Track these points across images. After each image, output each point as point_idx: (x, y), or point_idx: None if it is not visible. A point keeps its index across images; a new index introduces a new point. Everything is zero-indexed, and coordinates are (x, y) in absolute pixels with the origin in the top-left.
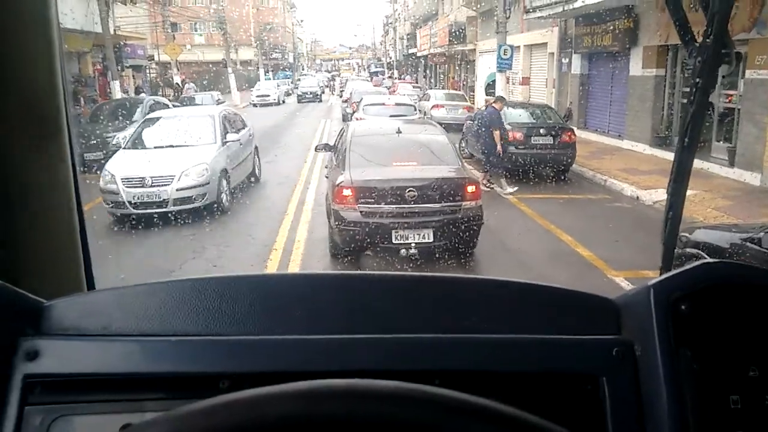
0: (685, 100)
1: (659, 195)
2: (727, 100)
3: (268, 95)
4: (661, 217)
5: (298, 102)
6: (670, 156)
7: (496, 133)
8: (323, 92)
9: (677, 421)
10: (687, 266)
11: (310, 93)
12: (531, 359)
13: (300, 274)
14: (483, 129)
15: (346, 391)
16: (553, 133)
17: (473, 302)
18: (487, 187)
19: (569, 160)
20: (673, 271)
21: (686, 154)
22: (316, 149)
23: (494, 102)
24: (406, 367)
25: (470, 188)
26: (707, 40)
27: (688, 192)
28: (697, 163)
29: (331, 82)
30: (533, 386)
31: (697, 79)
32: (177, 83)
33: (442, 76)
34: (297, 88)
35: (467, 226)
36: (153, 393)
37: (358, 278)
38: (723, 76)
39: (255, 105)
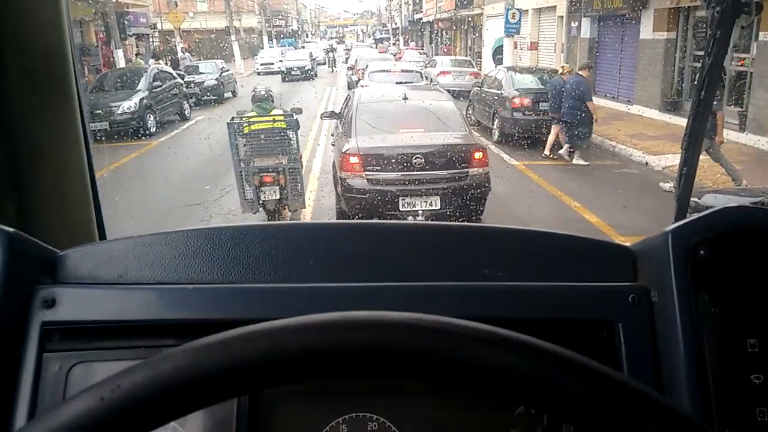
0: (696, 65)
1: (668, 160)
2: (739, 64)
3: (272, 63)
4: (668, 180)
5: (283, 81)
6: (679, 121)
7: (591, 104)
8: (316, 67)
9: (693, 365)
10: (706, 211)
11: (298, 69)
12: (546, 306)
13: (316, 223)
14: (568, 98)
15: (369, 322)
16: None
17: (489, 250)
18: (568, 155)
19: None
20: (692, 217)
21: (702, 108)
22: (321, 117)
23: (580, 69)
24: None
25: (477, 154)
26: None
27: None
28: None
29: (329, 54)
30: (548, 333)
31: (716, 31)
32: (175, 51)
33: (448, 41)
34: (281, 62)
35: (474, 193)
36: (169, 339)
37: (371, 227)
38: (743, 27)
39: (259, 73)
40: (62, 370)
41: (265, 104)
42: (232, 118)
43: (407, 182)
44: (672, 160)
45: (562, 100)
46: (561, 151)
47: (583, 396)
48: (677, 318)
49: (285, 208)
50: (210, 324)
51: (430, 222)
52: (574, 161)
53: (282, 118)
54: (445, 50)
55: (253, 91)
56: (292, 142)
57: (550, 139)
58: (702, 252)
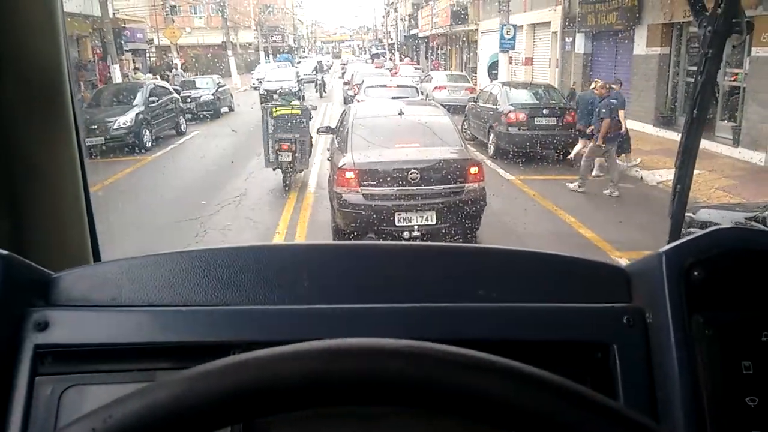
0: (690, 79)
1: (663, 175)
2: (732, 79)
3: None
4: (665, 197)
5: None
6: (673, 136)
7: (621, 112)
8: (303, 89)
9: (688, 387)
10: (700, 232)
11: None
12: (540, 328)
13: (309, 244)
14: (602, 111)
15: (362, 349)
16: (557, 113)
17: (484, 271)
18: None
19: (573, 141)
20: (686, 238)
21: (695, 126)
22: (318, 132)
23: (614, 84)
24: (414, 335)
25: (473, 169)
26: (718, 10)
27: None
28: (701, 143)
29: (317, 75)
30: (543, 354)
31: (708, 50)
32: (171, 67)
33: (443, 57)
34: (260, 84)
35: (470, 208)
36: (163, 362)
37: (366, 248)
38: (734, 46)
39: (255, 88)
40: (54, 393)
41: (287, 98)
42: (264, 106)
43: (403, 197)
44: (666, 174)
45: (593, 115)
46: (594, 173)
47: (575, 424)
48: (672, 340)
49: (294, 168)
50: (204, 347)
51: (424, 243)
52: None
53: (298, 108)
54: (435, 65)
55: (280, 88)
56: (303, 124)
57: (577, 148)
58: (696, 273)
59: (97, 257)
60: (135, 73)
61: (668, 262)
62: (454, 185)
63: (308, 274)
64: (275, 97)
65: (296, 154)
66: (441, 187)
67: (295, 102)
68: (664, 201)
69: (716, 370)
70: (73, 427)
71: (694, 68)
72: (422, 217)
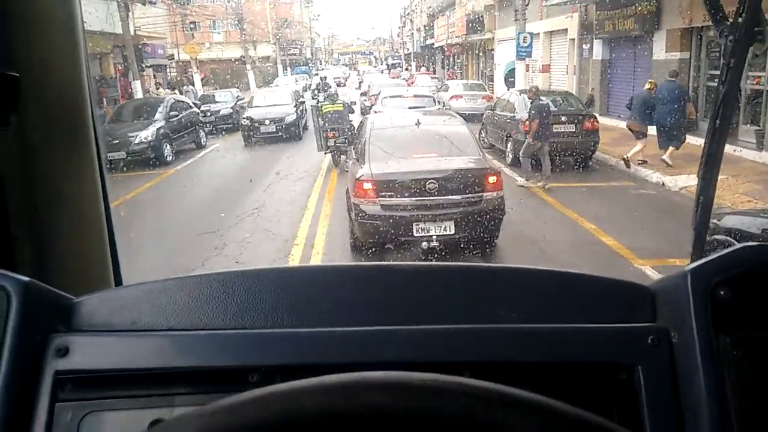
0: (711, 84)
1: (685, 181)
2: (755, 82)
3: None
4: (687, 203)
5: (245, 145)
6: (695, 141)
7: (690, 105)
8: (305, 119)
9: (716, 409)
10: (726, 250)
11: (272, 124)
12: (563, 349)
13: (326, 266)
14: (666, 104)
15: (384, 384)
16: (576, 120)
17: (503, 291)
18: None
19: (592, 148)
20: (712, 256)
21: (717, 136)
22: (326, 152)
23: (670, 76)
24: (435, 358)
25: (491, 179)
26: (739, 19)
27: None
28: (727, 149)
29: (321, 96)
30: (566, 376)
31: (730, 60)
32: (193, 81)
33: (459, 66)
34: (244, 110)
35: (489, 218)
36: (183, 387)
37: (385, 269)
38: (756, 55)
39: None
40: (74, 419)
41: (332, 98)
42: (317, 103)
43: (421, 207)
44: (687, 180)
45: (651, 111)
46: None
47: None
48: (698, 360)
49: (340, 150)
50: (223, 371)
51: (443, 263)
52: (663, 157)
53: (341, 105)
54: (450, 75)
55: (328, 89)
56: (346, 117)
57: (636, 149)
58: (722, 292)
59: (118, 280)
60: (157, 89)
61: (693, 281)
62: (473, 195)
63: (327, 296)
64: (321, 98)
65: (344, 138)
66: (459, 197)
67: (338, 101)
68: (687, 207)
69: (745, 392)
70: None
71: (715, 72)
72: (441, 227)
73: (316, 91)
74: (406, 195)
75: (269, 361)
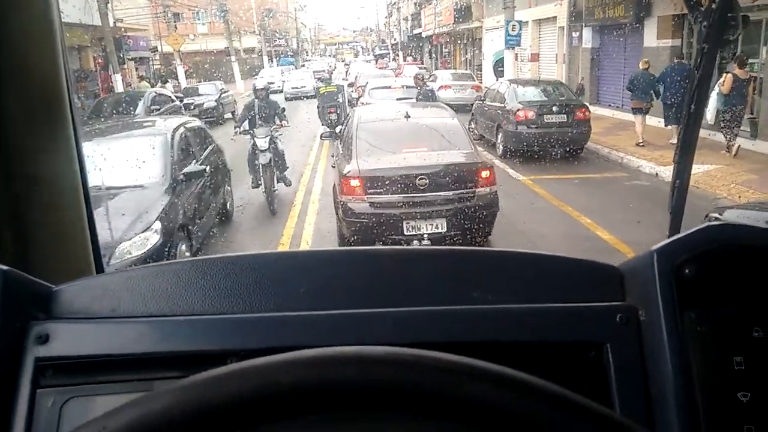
0: (735, 72)
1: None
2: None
3: (273, 82)
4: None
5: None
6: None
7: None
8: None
9: (681, 384)
10: (690, 230)
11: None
12: (536, 328)
13: (304, 251)
14: (672, 83)
15: (355, 357)
16: (567, 110)
17: (476, 274)
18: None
19: (584, 138)
20: (677, 236)
21: (692, 121)
22: (321, 137)
23: (677, 58)
24: (411, 339)
25: (484, 173)
26: (712, 5)
27: (709, 167)
28: (713, 136)
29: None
30: (538, 355)
31: (703, 45)
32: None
33: (447, 56)
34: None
35: (482, 214)
36: (163, 372)
37: (361, 254)
38: (729, 40)
39: None
40: (56, 405)
41: (326, 82)
42: (318, 87)
43: (411, 204)
44: None
45: (654, 90)
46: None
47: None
48: (664, 337)
49: (338, 122)
50: (202, 355)
51: (417, 247)
52: (671, 141)
53: (334, 87)
54: (443, 64)
55: (328, 67)
56: (339, 96)
57: (641, 129)
58: (687, 271)
59: (99, 268)
60: (140, 82)
61: (659, 260)
62: (465, 190)
63: (304, 280)
64: (320, 84)
65: (339, 115)
66: (451, 192)
67: (332, 83)
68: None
69: (709, 366)
70: None
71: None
72: (432, 224)
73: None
74: (396, 192)
75: (248, 345)
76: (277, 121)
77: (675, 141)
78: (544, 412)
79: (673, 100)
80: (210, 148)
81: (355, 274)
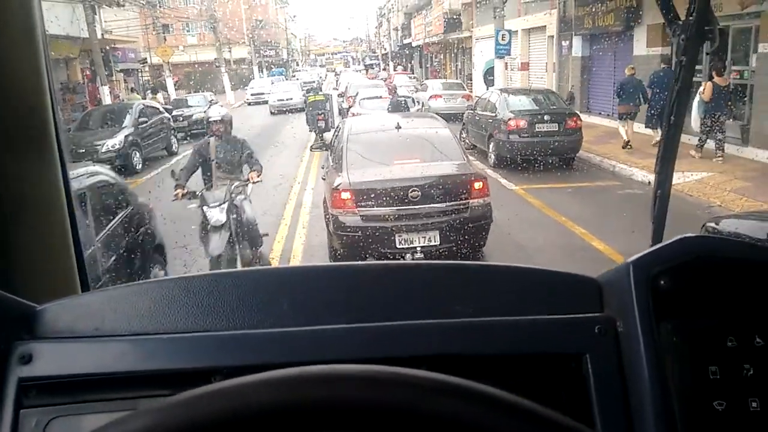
0: (696, 79)
1: (672, 179)
2: (735, 75)
3: (263, 93)
4: (675, 203)
5: None
6: (681, 138)
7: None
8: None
9: (658, 393)
10: (666, 241)
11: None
12: (516, 341)
13: (286, 268)
14: (656, 87)
15: (325, 376)
16: (558, 119)
17: (457, 287)
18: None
19: (576, 147)
20: (653, 247)
21: (672, 132)
22: (311, 149)
23: (663, 63)
24: (394, 354)
25: (477, 184)
26: (690, 18)
27: (702, 175)
28: (708, 143)
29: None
30: (518, 367)
31: (681, 58)
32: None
33: (437, 65)
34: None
35: (476, 226)
36: (147, 390)
37: (342, 270)
38: (707, 53)
39: (250, 104)
40: (39, 425)
41: (314, 91)
42: (307, 96)
43: (404, 217)
44: (675, 178)
45: (641, 95)
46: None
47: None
48: (641, 347)
49: (325, 129)
50: (186, 373)
51: (400, 262)
52: (653, 143)
53: (322, 96)
54: (433, 74)
55: (318, 78)
56: (327, 105)
57: (629, 132)
58: (662, 282)
59: (85, 286)
60: (131, 93)
61: (635, 272)
62: (458, 202)
63: (287, 297)
64: (308, 92)
65: (326, 122)
66: (444, 204)
67: (320, 93)
68: (675, 207)
69: (685, 376)
70: None
71: (698, 67)
72: (425, 237)
73: (304, 92)
74: (388, 204)
75: (231, 362)
76: (244, 174)
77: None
78: (508, 427)
79: (659, 104)
80: (159, 116)
81: (335, 289)
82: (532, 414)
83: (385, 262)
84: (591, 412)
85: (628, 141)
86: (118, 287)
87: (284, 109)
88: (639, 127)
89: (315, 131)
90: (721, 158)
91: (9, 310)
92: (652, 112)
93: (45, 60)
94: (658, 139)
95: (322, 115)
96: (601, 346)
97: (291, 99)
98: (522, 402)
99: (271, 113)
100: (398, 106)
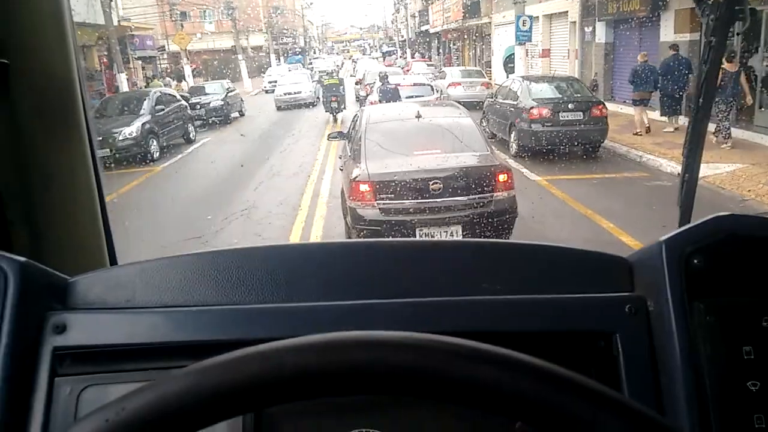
0: (723, 67)
1: (703, 170)
2: None
3: (275, 81)
4: (708, 195)
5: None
6: (709, 127)
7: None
8: None
9: (690, 373)
10: (699, 220)
11: None
12: (545, 318)
13: (316, 244)
14: (667, 74)
15: (361, 341)
16: (583, 107)
17: (487, 264)
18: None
19: (601, 136)
20: (686, 226)
21: (701, 115)
22: (329, 138)
23: (672, 48)
24: (420, 329)
25: (502, 177)
26: None
27: (734, 167)
28: (738, 133)
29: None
30: (547, 345)
31: (711, 38)
32: (183, 73)
33: (456, 52)
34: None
35: (500, 220)
36: (177, 361)
37: (373, 246)
38: (737, 34)
39: (267, 91)
40: (73, 393)
41: (331, 75)
42: (320, 77)
43: (425, 211)
44: (706, 170)
45: (654, 81)
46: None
47: (581, 415)
48: (673, 327)
49: (339, 110)
50: (215, 345)
51: (428, 239)
52: (665, 130)
53: (337, 80)
54: (447, 61)
55: (334, 65)
56: (340, 87)
57: (642, 119)
58: (696, 261)
59: (113, 260)
60: (150, 81)
61: (668, 251)
62: (481, 195)
63: (316, 272)
64: (325, 76)
65: (338, 102)
66: (466, 198)
67: (334, 76)
68: (708, 200)
69: (718, 356)
70: (89, 419)
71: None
72: (446, 232)
73: (316, 82)
74: (408, 197)
75: (259, 335)
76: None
77: (670, 130)
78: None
79: (669, 91)
80: (176, 104)
81: (364, 265)
82: (573, 383)
83: (413, 239)
84: (620, 392)
85: (648, 126)
86: (149, 260)
87: (292, 104)
88: (654, 115)
89: (329, 110)
90: (727, 145)
91: (42, 280)
92: (664, 99)
93: (72, 40)
94: (670, 127)
95: (336, 97)
96: (632, 325)
97: (300, 92)
98: (559, 369)
99: (277, 108)
100: (387, 95)
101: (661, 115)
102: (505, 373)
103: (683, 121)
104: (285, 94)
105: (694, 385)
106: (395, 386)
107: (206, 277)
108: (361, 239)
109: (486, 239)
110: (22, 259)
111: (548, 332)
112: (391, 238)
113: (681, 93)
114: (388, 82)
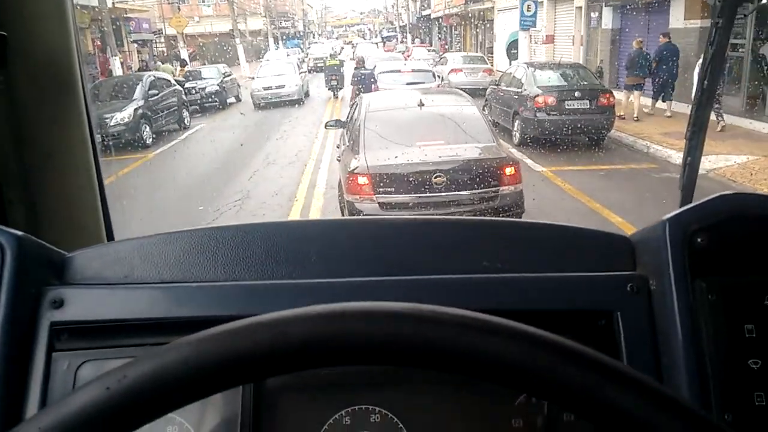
0: (735, 54)
1: (712, 163)
2: None
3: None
4: (718, 188)
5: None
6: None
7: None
8: None
9: (691, 352)
10: (703, 199)
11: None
12: (546, 297)
13: (317, 221)
14: (662, 61)
15: (367, 312)
16: (590, 95)
17: (488, 242)
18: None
19: (608, 125)
20: (689, 205)
21: (705, 98)
22: (326, 126)
23: (663, 36)
24: None
25: (509, 170)
26: None
27: (745, 158)
28: (747, 123)
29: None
30: (547, 323)
31: (717, 20)
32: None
33: (458, 38)
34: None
35: (506, 216)
36: (174, 336)
37: (375, 223)
38: (744, 15)
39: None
40: (71, 368)
41: (333, 56)
42: (325, 59)
43: (427, 206)
44: (716, 162)
45: (649, 66)
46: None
47: (581, 384)
48: (675, 305)
49: (338, 87)
50: (214, 321)
51: (427, 216)
52: (667, 114)
53: (337, 61)
54: (442, 47)
55: (332, 50)
56: (341, 68)
57: (638, 104)
58: (699, 240)
59: (110, 237)
60: (160, 65)
61: (671, 229)
62: (487, 189)
63: (315, 249)
64: (327, 56)
65: (338, 81)
66: (471, 192)
67: (335, 59)
68: (717, 191)
69: (719, 335)
70: (90, 387)
71: (740, 41)
72: None
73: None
74: (409, 191)
75: (259, 311)
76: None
77: (668, 114)
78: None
79: (661, 76)
80: (171, 89)
81: (364, 243)
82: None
83: (414, 216)
84: None
85: (636, 117)
86: (146, 236)
87: (272, 101)
88: (645, 101)
89: (330, 88)
90: (721, 128)
91: (40, 255)
92: (656, 83)
93: (72, 20)
94: (668, 111)
95: (335, 77)
96: (633, 304)
97: (282, 87)
98: (562, 340)
99: (255, 106)
100: (361, 81)
101: (653, 99)
102: (523, 348)
103: (675, 106)
104: (264, 88)
105: (695, 363)
106: (398, 357)
107: (205, 253)
108: (361, 217)
109: (490, 218)
110: (20, 233)
111: (549, 311)
112: (390, 215)
113: (673, 79)
114: (364, 67)
